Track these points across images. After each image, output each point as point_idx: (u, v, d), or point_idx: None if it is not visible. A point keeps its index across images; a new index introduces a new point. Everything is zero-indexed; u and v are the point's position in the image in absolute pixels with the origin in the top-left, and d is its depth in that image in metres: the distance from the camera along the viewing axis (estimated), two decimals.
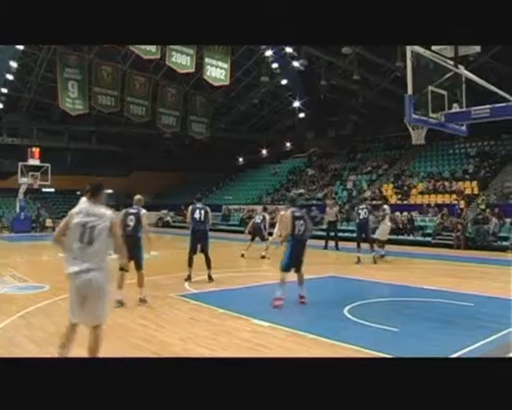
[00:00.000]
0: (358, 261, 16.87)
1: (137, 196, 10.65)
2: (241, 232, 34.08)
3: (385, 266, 16.72)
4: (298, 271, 10.22)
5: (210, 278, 13.05)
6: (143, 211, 10.37)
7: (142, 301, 10.13)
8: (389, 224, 19.26)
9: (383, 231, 18.72)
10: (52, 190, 45.43)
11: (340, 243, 22.28)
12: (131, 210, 10.33)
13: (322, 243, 22.41)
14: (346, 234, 24.76)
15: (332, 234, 22.66)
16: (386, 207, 19.53)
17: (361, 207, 17.93)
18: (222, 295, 11.46)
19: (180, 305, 10.23)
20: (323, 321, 8.88)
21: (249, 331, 8.06)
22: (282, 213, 11.65)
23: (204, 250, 13.11)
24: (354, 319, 8.86)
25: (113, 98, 33.72)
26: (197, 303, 10.26)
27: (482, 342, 7.28)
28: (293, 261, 10.13)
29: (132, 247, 9.71)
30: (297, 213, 10.24)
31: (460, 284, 12.48)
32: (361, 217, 17.51)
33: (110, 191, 48.51)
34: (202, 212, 13.21)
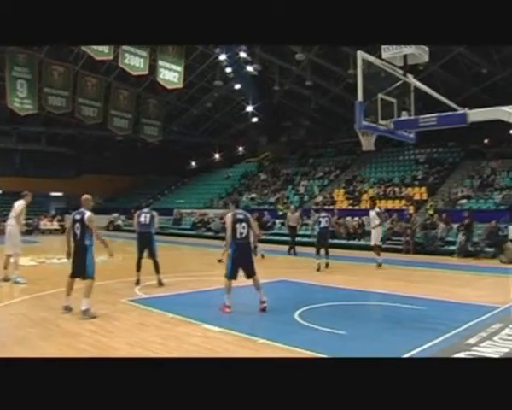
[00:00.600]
0: (319, 268, 16.88)
1: (84, 196, 9.98)
2: (193, 236, 34.07)
3: (336, 270, 16.88)
4: (249, 277, 9.90)
5: (160, 282, 12.95)
6: (87, 214, 9.64)
7: (86, 312, 9.31)
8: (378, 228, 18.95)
9: (376, 235, 18.54)
10: None
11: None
12: (77, 216, 9.64)
13: (279, 247, 22.52)
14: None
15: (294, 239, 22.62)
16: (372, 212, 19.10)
17: (322, 215, 17.95)
18: (173, 299, 11.36)
19: (130, 310, 10.11)
20: (274, 325, 8.91)
21: (199, 336, 8.01)
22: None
23: (151, 254, 12.99)
24: (304, 322, 8.92)
25: (65, 99, 33.06)
26: (147, 308, 10.15)
27: (432, 342, 7.44)
28: (236, 267, 9.81)
29: (80, 254, 9.53)
30: (239, 216, 9.86)
31: (409, 288, 12.70)
32: (322, 225, 17.52)
33: (60, 194, 47.91)
34: (148, 216, 13.14)
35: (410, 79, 9.42)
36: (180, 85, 32.65)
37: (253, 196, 39.11)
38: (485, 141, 32.70)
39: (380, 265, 17.54)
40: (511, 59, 27.92)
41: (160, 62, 30.86)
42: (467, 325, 8.55)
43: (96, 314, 9.43)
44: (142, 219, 12.99)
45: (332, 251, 18.27)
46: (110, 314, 9.63)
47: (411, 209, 26.77)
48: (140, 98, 37.98)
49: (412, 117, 9.27)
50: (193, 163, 55.53)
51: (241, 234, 9.77)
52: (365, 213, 28.27)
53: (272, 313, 9.73)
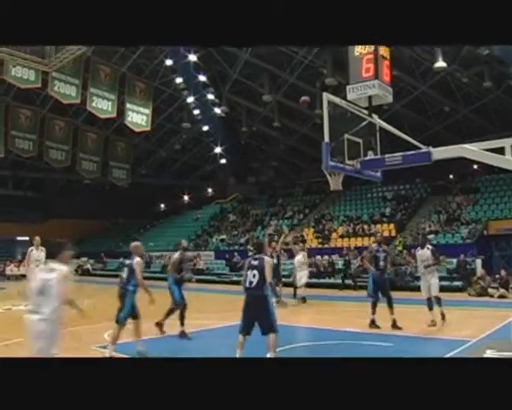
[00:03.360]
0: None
1: (135, 243, 10.33)
2: (163, 279, 33.65)
3: (306, 309, 16.86)
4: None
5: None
6: (136, 259, 9.92)
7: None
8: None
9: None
10: None
11: None
12: (127, 261, 10.04)
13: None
14: None
15: None
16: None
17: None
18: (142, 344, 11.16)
19: (100, 356, 9.93)
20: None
21: None
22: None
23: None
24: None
25: (32, 142, 32.93)
26: (117, 354, 9.98)
27: None
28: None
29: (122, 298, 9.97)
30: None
31: (380, 325, 12.68)
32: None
33: (27, 238, 47.07)
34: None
35: (375, 119, 9.62)
36: (148, 128, 32.79)
37: (223, 237, 39.01)
38: (451, 176, 33.32)
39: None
40: (473, 97, 28.70)
41: (128, 105, 30.97)
42: None
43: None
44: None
45: (302, 290, 18.31)
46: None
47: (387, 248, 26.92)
48: (108, 141, 37.97)
49: (378, 156, 9.44)
50: (162, 205, 55.29)
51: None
52: (336, 251, 28.52)
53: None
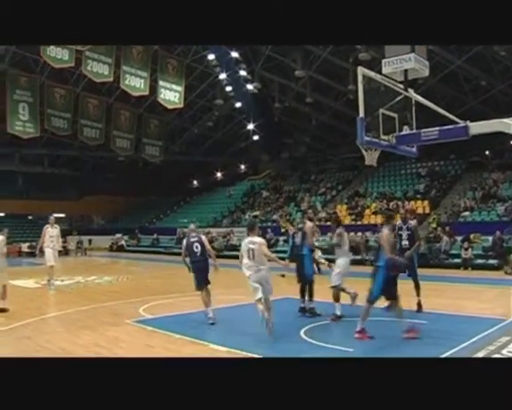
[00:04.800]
0: None
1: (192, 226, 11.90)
2: None
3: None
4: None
5: None
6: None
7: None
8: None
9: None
10: (2, 214, 44.22)
11: None
12: (193, 238, 11.18)
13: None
14: None
15: None
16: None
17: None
18: (178, 319, 11.29)
19: (135, 331, 10.07)
20: (281, 344, 8.83)
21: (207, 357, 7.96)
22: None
23: None
24: (310, 340, 8.88)
25: (66, 121, 33.21)
26: (153, 329, 10.11)
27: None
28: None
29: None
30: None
31: (413, 302, 12.57)
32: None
33: (62, 215, 47.91)
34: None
35: (411, 93, 9.46)
36: (181, 105, 32.78)
37: (256, 213, 39.09)
38: (487, 152, 32.71)
39: None
40: (510, 71, 28.01)
41: (161, 82, 30.98)
42: (474, 339, 8.47)
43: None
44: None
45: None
46: (116, 336, 9.59)
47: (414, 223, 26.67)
48: (141, 118, 38.08)
49: (414, 131, 9.30)
50: (195, 182, 55.51)
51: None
52: (369, 228, 28.30)
53: (278, 331, 9.68)
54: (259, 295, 9.22)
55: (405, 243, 11.61)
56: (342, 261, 11.16)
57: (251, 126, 42.47)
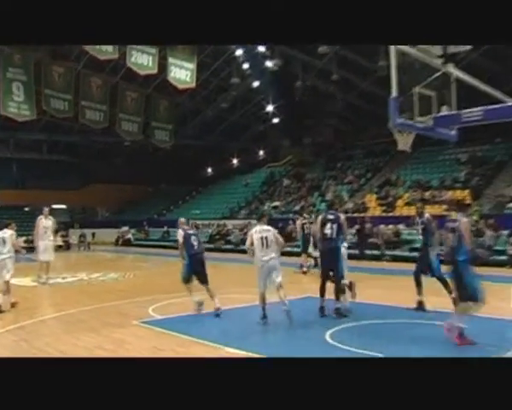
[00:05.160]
0: None
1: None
2: (211, 250, 33.97)
3: (370, 284, 16.73)
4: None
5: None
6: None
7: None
8: None
9: None
10: None
11: None
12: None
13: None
14: None
15: None
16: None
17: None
18: (189, 320, 11.32)
19: (143, 333, 10.11)
20: (304, 347, 8.78)
21: None
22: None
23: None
24: (336, 343, 8.84)
25: (67, 102, 33.08)
26: (162, 331, 10.14)
27: None
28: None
29: None
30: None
31: (449, 304, 12.31)
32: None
33: (63, 207, 48.15)
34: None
35: (451, 68, 9.29)
36: (193, 85, 32.76)
37: (276, 204, 39.01)
38: None
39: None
40: None
41: (171, 60, 30.93)
42: None
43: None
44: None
45: (365, 263, 18.14)
46: (122, 338, 9.64)
47: (453, 215, 26.39)
48: (150, 100, 38.10)
49: (454, 112, 9.17)
50: (209, 170, 55.59)
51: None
52: (401, 220, 28.09)
53: (302, 333, 9.66)
54: (264, 287, 10.58)
55: (420, 236, 11.87)
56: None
57: (270, 108, 42.38)
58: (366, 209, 32.13)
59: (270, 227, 10.83)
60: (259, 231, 10.63)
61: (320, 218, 11.69)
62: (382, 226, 27.81)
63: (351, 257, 13.94)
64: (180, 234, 12.13)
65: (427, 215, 12.35)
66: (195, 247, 11.81)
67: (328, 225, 11.29)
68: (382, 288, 16.36)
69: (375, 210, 31.70)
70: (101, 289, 16.77)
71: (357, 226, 26.99)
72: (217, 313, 11.25)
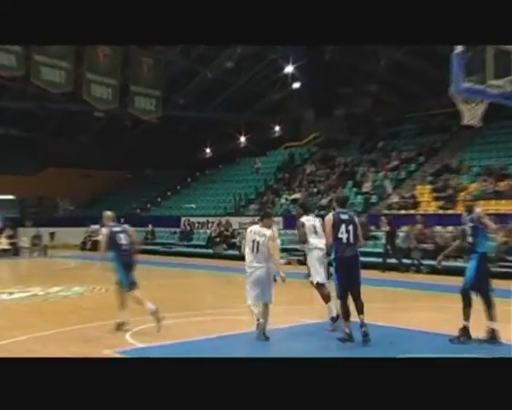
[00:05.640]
0: None
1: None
2: (209, 256, 33.92)
3: (420, 304, 16.66)
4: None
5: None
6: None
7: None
8: None
9: None
10: None
11: None
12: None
13: None
14: None
15: None
16: None
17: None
18: (179, 350, 11.23)
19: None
20: None
21: None
22: None
23: None
24: None
25: (14, 56, 32.62)
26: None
27: None
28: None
29: None
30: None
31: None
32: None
33: (10, 197, 48.03)
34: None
35: None
36: None
37: (297, 196, 38.84)
38: None
39: None
40: None
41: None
42: None
43: None
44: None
45: (413, 276, 18.06)
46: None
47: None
48: (128, 57, 37.98)
49: None
50: (208, 151, 55.55)
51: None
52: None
53: None
54: (253, 300, 11.38)
55: (470, 239, 11.98)
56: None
57: (290, 69, 42.24)
58: (416, 205, 31.99)
59: (268, 232, 11.37)
60: (254, 232, 11.32)
61: (331, 218, 11.63)
62: (439, 228, 27.67)
63: (366, 267, 14.10)
64: (104, 233, 13.01)
65: (477, 210, 12.39)
66: (123, 246, 12.74)
67: (343, 228, 11.40)
68: (436, 310, 16.27)
69: (428, 206, 31.56)
70: (62, 309, 16.78)
71: (387, 227, 26.98)
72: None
